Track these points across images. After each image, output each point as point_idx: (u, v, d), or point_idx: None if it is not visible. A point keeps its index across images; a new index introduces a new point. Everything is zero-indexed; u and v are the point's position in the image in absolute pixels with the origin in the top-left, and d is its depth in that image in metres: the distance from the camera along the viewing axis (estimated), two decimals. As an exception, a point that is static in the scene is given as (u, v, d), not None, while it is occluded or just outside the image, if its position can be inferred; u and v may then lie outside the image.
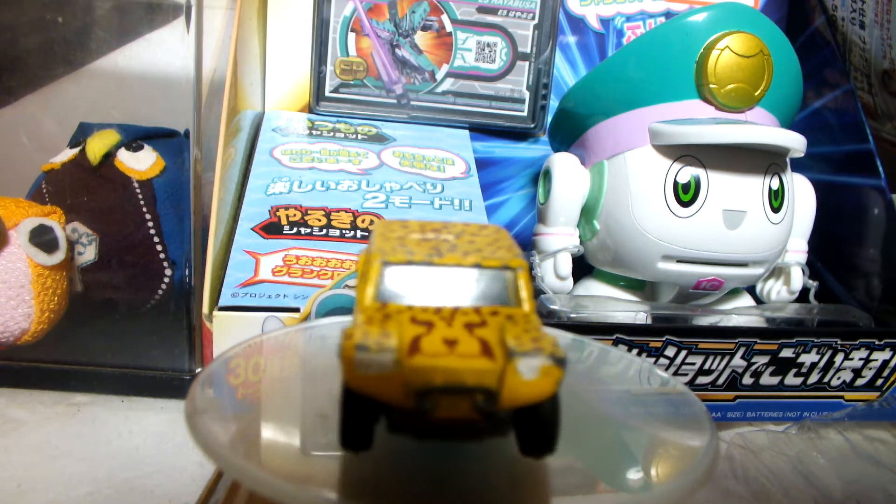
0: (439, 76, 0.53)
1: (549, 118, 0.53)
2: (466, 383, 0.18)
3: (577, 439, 0.25)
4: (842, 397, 0.42)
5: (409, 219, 0.43)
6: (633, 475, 0.24)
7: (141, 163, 0.43)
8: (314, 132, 0.51)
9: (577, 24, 0.56)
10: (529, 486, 0.22)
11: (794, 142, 0.40)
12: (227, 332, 0.35)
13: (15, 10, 0.44)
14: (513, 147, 0.55)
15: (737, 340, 0.39)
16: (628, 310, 0.42)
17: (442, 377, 0.18)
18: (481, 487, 0.21)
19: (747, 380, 0.41)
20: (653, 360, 0.39)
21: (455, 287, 0.21)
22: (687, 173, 0.41)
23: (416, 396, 0.18)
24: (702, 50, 0.41)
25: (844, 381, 0.42)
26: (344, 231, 0.41)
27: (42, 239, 0.39)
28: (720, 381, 0.41)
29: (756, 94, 0.41)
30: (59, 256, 0.39)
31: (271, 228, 0.41)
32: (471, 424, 0.19)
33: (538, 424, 0.19)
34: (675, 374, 0.40)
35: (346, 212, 0.43)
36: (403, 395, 0.18)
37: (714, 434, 0.23)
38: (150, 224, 0.42)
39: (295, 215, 0.42)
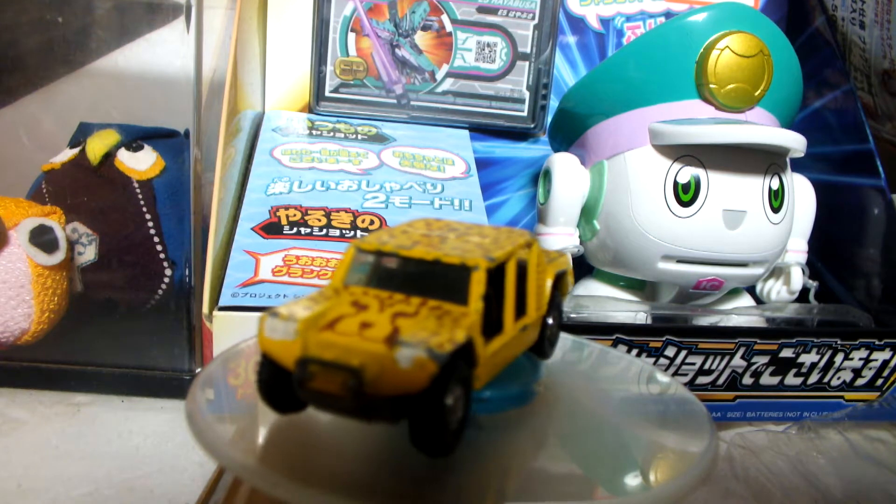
0: (439, 76, 0.53)
1: (549, 118, 0.53)
2: (349, 363, 0.18)
3: (576, 441, 0.25)
4: (842, 397, 0.43)
5: (410, 219, 0.43)
6: (632, 475, 0.24)
7: (141, 163, 0.43)
8: (314, 132, 0.51)
9: (577, 24, 0.56)
10: (527, 490, 0.22)
11: (794, 142, 0.40)
12: (227, 332, 0.35)
13: (15, 10, 0.44)
14: (513, 147, 0.55)
15: (737, 340, 0.39)
16: (628, 310, 0.42)
17: (331, 353, 0.19)
18: (480, 489, 0.21)
19: (747, 380, 0.41)
20: (653, 360, 0.39)
21: (415, 278, 0.22)
22: (687, 173, 0.41)
23: (298, 364, 0.19)
24: (702, 50, 0.41)
25: (844, 381, 0.42)
26: (344, 231, 0.41)
27: (42, 239, 0.39)
28: (720, 381, 0.41)
29: (756, 94, 0.41)
30: (59, 256, 0.39)
31: (271, 228, 0.41)
32: (352, 403, 0.19)
33: (418, 417, 0.19)
34: (675, 374, 0.40)
35: (346, 212, 0.43)
36: (294, 363, 0.19)
37: (714, 435, 0.23)
38: (150, 224, 0.42)
39: (295, 215, 0.42)
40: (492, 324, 0.22)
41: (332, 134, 0.51)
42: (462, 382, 0.20)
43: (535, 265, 0.25)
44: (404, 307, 0.21)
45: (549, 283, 0.26)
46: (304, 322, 0.19)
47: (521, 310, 0.24)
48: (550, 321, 0.27)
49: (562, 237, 0.45)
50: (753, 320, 0.44)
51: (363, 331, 0.19)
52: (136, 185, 0.42)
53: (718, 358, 0.40)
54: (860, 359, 0.41)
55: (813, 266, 0.47)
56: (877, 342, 0.41)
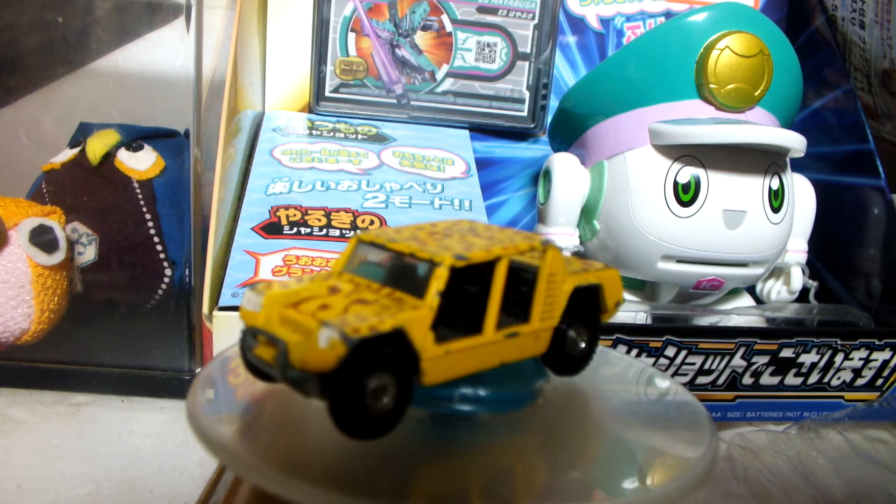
0: (439, 76, 0.53)
1: (549, 118, 0.53)
2: (280, 338, 0.20)
3: (575, 442, 0.25)
4: (842, 397, 0.42)
5: (409, 219, 0.43)
6: (631, 477, 0.24)
7: (141, 163, 0.43)
8: (314, 132, 0.51)
9: (577, 24, 0.56)
10: (526, 491, 0.22)
11: (794, 142, 0.40)
12: (227, 332, 0.35)
13: (15, 10, 0.44)
14: (513, 147, 0.55)
15: (737, 340, 0.39)
16: (628, 310, 0.42)
17: (276, 328, 0.21)
18: (479, 490, 0.21)
19: (747, 380, 0.41)
20: (653, 360, 0.39)
21: (394, 270, 0.23)
22: (687, 173, 0.41)
23: (248, 332, 0.22)
24: (702, 50, 0.41)
25: (844, 381, 0.42)
26: (344, 231, 0.41)
27: (42, 239, 0.39)
28: (720, 381, 0.41)
29: (756, 94, 0.41)
30: (59, 256, 0.39)
31: (271, 228, 0.41)
32: (281, 374, 0.20)
33: (333, 396, 0.20)
34: (675, 374, 0.40)
35: (346, 212, 0.43)
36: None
37: (714, 436, 0.23)
38: (150, 224, 0.42)
39: (295, 215, 0.42)
40: (465, 323, 0.22)
41: (332, 134, 0.51)
42: (394, 371, 0.20)
43: (546, 273, 0.24)
44: (370, 295, 0.22)
45: (566, 292, 0.25)
46: (269, 297, 0.21)
47: (517, 315, 0.24)
48: (573, 334, 0.25)
49: (562, 237, 0.45)
50: (753, 320, 0.44)
51: (318, 312, 0.20)
52: (136, 185, 0.42)
53: (718, 358, 0.40)
54: (860, 359, 0.41)
55: (813, 266, 0.47)
56: (877, 342, 0.41)
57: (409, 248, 0.22)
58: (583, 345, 0.26)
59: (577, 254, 0.29)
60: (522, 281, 0.24)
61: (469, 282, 0.22)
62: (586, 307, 0.26)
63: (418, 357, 0.21)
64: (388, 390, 0.20)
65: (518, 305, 0.24)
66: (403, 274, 0.22)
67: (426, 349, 0.21)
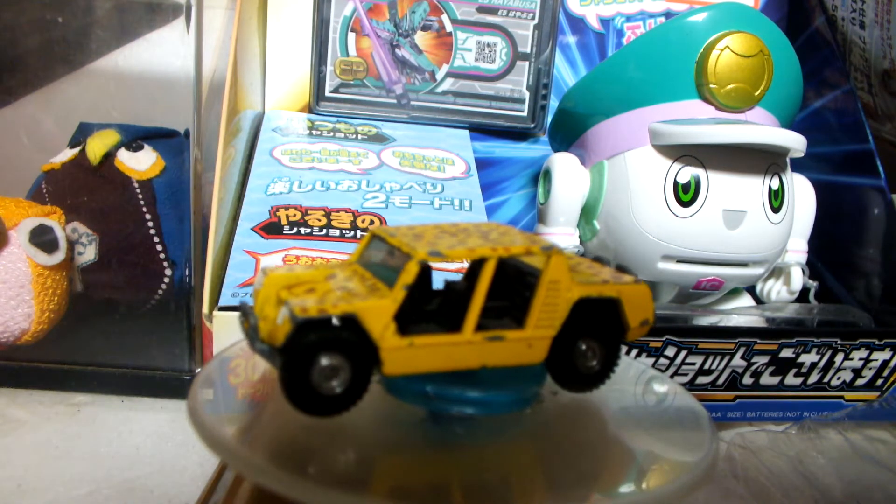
0: (439, 76, 0.53)
1: (549, 118, 0.53)
2: (257, 313, 0.22)
3: (574, 443, 0.25)
4: (842, 397, 0.43)
5: (409, 219, 0.43)
6: (631, 477, 0.24)
7: (141, 163, 0.43)
8: (314, 132, 0.51)
9: (577, 24, 0.56)
10: (525, 492, 0.22)
11: (794, 142, 0.40)
12: (227, 332, 0.35)
13: (15, 10, 0.44)
14: (513, 147, 0.55)
15: (737, 340, 0.39)
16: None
17: (260, 306, 0.22)
18: (477, 490, 0.21)
19: (747, 380, 0.41)
20: (653, 360, 0.39)
21: (386, 263, 0.24)
22: (687, 173, 0.41)
23: (239, 307, 0.23)
24: (702, 50, 0.41)
25: (844, 381, 0.42)
26: (344, 231, 0.41)
27: (42, 239, 0.39)
28: (720, 381, 0.41)
29: (756, 94, 0.41)
30: (59, 256, 0.39)
31: (271, 228, 0.41)
32: (253, 346, 0.22)
33: (282, 369, 0.21)
34: (675, 374, 0.40)
35: (346, 212, 0.43)
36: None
37: (714, 437, 0.23)
38: (150, 224, 0.42)
39: (295, 215, 0.42)
40: (449, 320, 0.22)
41: (332, 134, 0.51)
42: (347, 355, 0.21)
43: (547, 279, 0.23)
44: (355, 284, 0.23)
45: (568, 300, 0.23)
46: (270, 278, 0.22)
47: (517, 319, 0.23)
48: (583, 348, 0.24)
49: (562, 237, 0.45)
50: (753, 320, 0.44)
51: (303, 294, 0.22)
52: (136, 185, 0.42)
53: (718, 358, 0.40)
54: (860, 359, 0.41)
55: (813, 266, 0.47)
56: (877, 342, 0.41)
57: (400, 243, 0.23)
58: (594, 362, 0.24)
59: (618, 267, 0.27)
60: (527, 285, 0.24)
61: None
62: (603, 322, 0.24)
63: (376, 346, 0.21)
64: (341, 372, 0.21)
65: (519, 309, 0.23)
66: (390, 266, 0.23)
67: (385, 339, 0.21)
